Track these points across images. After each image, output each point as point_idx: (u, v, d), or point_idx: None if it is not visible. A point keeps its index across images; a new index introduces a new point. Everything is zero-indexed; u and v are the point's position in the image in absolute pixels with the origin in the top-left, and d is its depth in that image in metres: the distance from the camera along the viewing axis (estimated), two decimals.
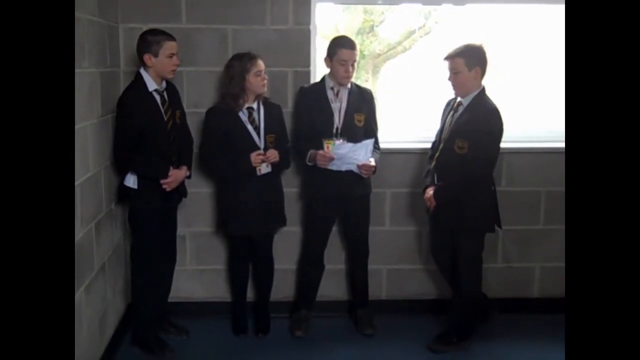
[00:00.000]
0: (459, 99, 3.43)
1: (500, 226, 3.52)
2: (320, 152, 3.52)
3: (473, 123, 3.29)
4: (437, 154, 3.46)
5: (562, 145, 3.83)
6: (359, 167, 3.52)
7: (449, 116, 3.46)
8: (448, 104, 3.55)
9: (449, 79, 3.37)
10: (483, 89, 3.37)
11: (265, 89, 3.51)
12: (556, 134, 4.06)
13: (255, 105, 3.53)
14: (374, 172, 3.59)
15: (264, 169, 3.50)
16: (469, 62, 3.29)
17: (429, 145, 3.65)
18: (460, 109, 3.40)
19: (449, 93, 3.49)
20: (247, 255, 3.74)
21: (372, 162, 3.54)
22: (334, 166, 3.53)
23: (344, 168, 3.53)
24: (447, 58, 3.36)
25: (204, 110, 3.61)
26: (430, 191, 3.44)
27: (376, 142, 3.65)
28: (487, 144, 3.30)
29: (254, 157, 3.45)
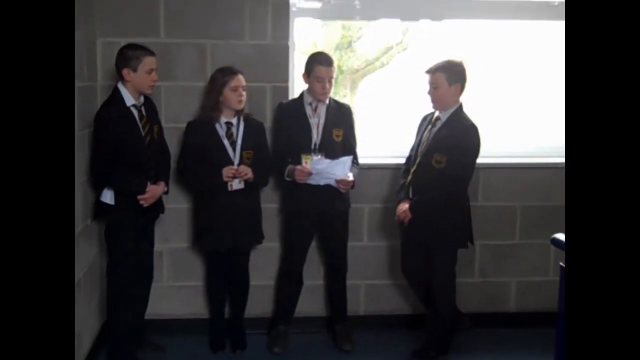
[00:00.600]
0: (436, 113, 3.47)
1: (472, 242, 3.58)
2: (299, 167, 3.57)
3: (452, 139, 3.35)
4: (413, 168, 3.50)
5: (538, 160, 4.02)
6: (337, 182, 3.57)
7: (427, 131, 3.50)
8: (425, 119, 3.59)
9: (429, 92, 3.43)
10: (460, 105, 3.43)
11: (242, 106, 3.54)
12: (532, 150, 4.17)
13: (234, 121, 3.56)
14: (353, 187, 3.64)
15: (236, 184, 3.52)
16: (449, 77, 3.36)
17: (403, 160, 3.70)
18: (439, 124, 3.44)
19: (426, 108, 3.55)
20: (225, 271, 3.74)
21: (350, 177, 3.60)
22: (312, 181, 3.57)
23: (322, 182, 3.57)
24: (428, 72, 3.41)
25: (183, 125, 3.64)
26: (405, 205, 3.47)
27: (355, 157, 3.70)
28: (464, 160, 3.36)
29: (226, 171, 3.48)
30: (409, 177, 3.52)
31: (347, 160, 3.57)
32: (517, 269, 4.14)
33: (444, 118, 3.43)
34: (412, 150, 3.61)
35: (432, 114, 3.53)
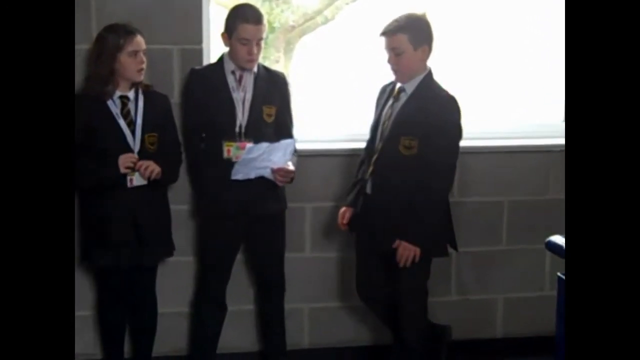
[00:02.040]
0: (399, 84, 3.42)
1: (455, 248, 3.54)
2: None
3: (424, 115, 3.27)
4: (374, 157, 3.43)
5: (529, 142, 4.06)
6: (273, 171, 3.49)
7: (388, 107, 3.44)
8: (384, 90, 3.54)
9: (389, 60, 3.35)
10: (430, 72, 3.38)
11: (142, 76, 3.46)
12: (521, 129, 4.21)
13: (131, 95, 3.48)
14: (292, 180, 3.58)
15: (137, 179, 3.42)
16: (414, 38, 3.28)
17: (359, 145, 3.68)
18: (403, 97, 3.38)
19: (385, 75, 3.48)
20: (123, 295, 3.63)
21: (291, 166, 3.54)
22: (239, 175, 3.48)
23: (253, 175, 3.49)
24: (386, 34, 3.33)
25: None
26: (347, 213, 3.50)
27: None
28: (444, 143, 3.27)
29: (123, 160, 3.38)
30: (370, 169, 3.45)
31: (288, 144, 3.52)
32: (505, 283, 4.16)
33: (410, 89, 3.36)
34: (371, 132, 3.56)
35: (394, 83, 3.48)
